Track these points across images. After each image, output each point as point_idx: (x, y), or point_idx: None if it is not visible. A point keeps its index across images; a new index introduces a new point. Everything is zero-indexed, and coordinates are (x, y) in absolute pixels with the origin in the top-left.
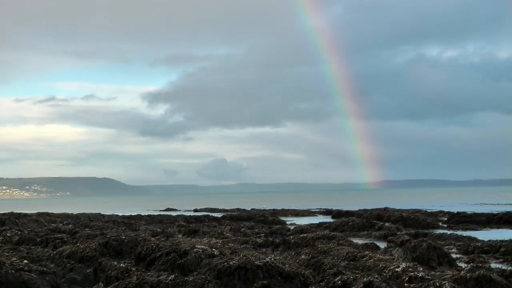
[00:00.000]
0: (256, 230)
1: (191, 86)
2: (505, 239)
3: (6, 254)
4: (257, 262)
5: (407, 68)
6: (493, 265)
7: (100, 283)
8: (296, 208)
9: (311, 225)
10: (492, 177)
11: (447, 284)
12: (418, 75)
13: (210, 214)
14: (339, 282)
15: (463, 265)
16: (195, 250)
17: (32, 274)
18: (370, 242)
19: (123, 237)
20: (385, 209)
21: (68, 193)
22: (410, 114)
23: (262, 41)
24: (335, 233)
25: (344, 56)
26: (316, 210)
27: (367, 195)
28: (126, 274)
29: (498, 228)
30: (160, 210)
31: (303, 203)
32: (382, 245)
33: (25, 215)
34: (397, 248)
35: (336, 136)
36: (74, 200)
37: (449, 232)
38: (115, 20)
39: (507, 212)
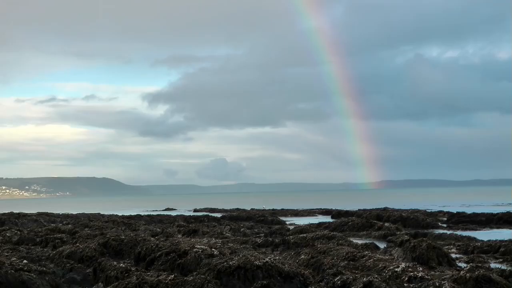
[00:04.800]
0: (256, 230)
1: (191, 86)
2: (505, 239)
3: (6, 254)
4: (256, 262)
5: (407, 69)
6: (492, 265)
7: (100, 283)
8: (296, 208)
9: (310, 225)
10: (492, 177)
11: (446, 284)
12: (418, 76)
13: (210, 214)
14: (339, 282)
15: (462, 265)
16: (194, 250)
17: (32, 274)
18: (370, 242)
19: (123, 237)
20: (385, 209)
21: (67, 193)
22: (410, 114)
23: (263, 42)
24: (334, 233)
25: (344, 56)
26: (316, 210)
27: (366, 195)
28: (126, 274)
29: (497, 228)
30: (160, 210)
31: (303, 203)
32: (381, 245)
33: (25, 215)
34: (396, 248)
35: (336, 136)
36: (74, 200)
37: (448, 232)
38: (116, 21)
39: (507, 212)
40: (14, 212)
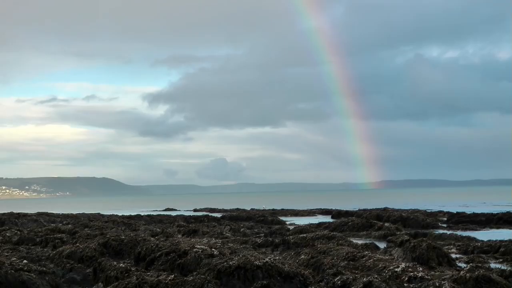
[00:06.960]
0: (256, 230)
1: (191, 86)
2: (505, 239)
3: (6, 254)
4: (256, 262)
5: (407, 69)
6: (492, 265)
7: (100, 283)
8: (296, 208)
9: (310, 225)
10: (492, 177)
11: (446, 284)
12: (418, 76)
13: (210, 214)
14: (339, 282)
15: (462, 265)
16: (194, 250)
17: (32, 274)
18: (370, 242)
19: (123, 237)
20: (385, 209)
21: (67, 193)
22: (410, 114)
23: (263, 42)
24: (334, 233)
25: (344, 56)
26: (316, 210)
27: (366, 195)
28: (126, 274)
29: (497, 228)
30: (160, 210)
31: (302, 203)
32: (381, 245)
33: (25, 215)
34: (396, 248)
35: (336, 136)
36: (74, 200)
37: (448, 232)
38: (116, 21)
39: (507, 212)
40: (14, 212)
